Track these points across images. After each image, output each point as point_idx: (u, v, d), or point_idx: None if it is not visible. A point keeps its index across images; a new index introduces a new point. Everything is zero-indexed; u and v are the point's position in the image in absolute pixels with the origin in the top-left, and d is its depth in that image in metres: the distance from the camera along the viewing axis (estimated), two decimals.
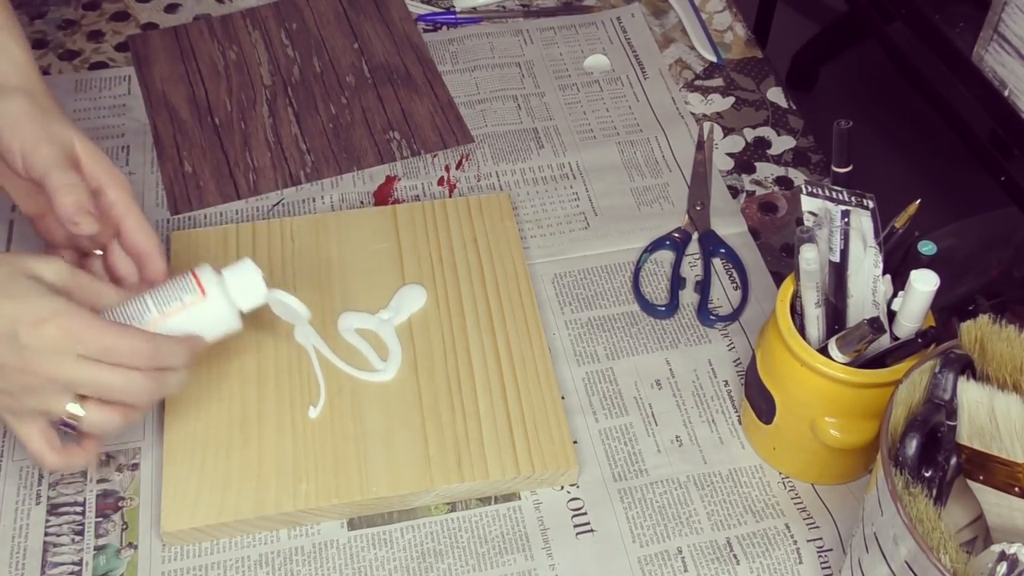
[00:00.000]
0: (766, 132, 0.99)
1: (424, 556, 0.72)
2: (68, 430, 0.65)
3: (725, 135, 0.98)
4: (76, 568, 0.70)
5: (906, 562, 0.55)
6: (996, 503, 0.59)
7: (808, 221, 0.68)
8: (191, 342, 0.67)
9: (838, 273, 0.67)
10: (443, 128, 0.97)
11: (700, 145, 0.96)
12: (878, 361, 0.68)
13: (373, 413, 0.76)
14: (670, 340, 0.83)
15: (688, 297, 0.86)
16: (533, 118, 0.99)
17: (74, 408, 0.64)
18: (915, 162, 1.87)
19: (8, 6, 0.74)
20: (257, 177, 0.93)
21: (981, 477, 0.59)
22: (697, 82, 1.03)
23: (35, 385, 0.62)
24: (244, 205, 0.91)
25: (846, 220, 0.65)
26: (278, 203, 0.92)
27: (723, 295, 0.86)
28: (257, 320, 0.80)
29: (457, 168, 0.95)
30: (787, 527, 0.73)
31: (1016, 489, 0.57)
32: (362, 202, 0.92)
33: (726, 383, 0.81)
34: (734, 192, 0.94)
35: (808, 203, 0.68)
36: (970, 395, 0.58)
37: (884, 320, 0.67)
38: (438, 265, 0.84)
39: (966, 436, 0.59)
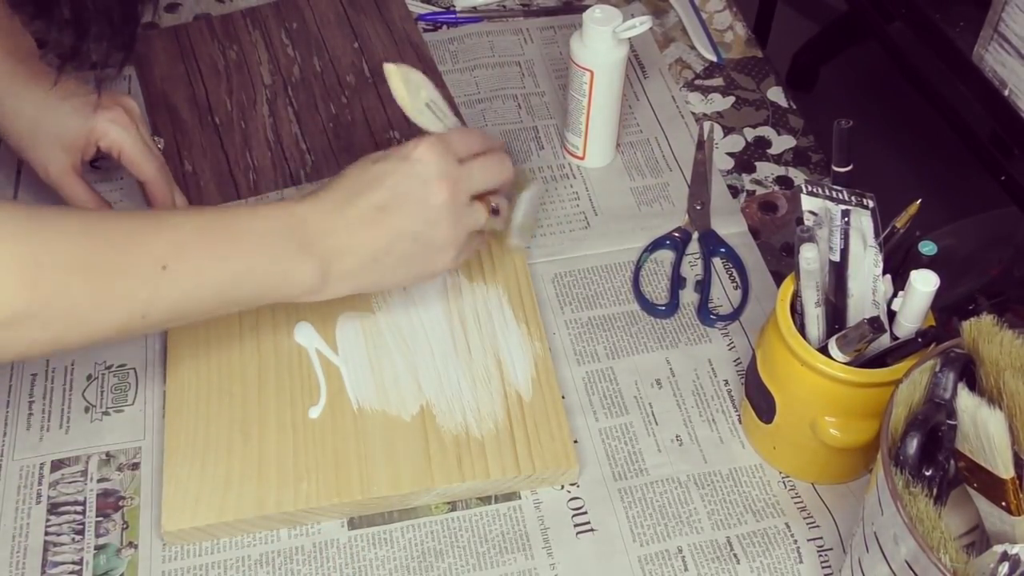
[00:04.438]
0: (766, 132, 0.99)
1: (424, 556, 0.72)
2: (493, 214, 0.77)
3: (725, 134, 0.98)
4: (76, 567, 0.70)
5: (906, 562, 0.55)
6: (988, 512, 0.59)
7: (808, 220, 0.68)
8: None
9: (838, 272, 0.67)
10: None
11: (700, 144, 0.96)
12: (878, 360, 0.68)
13: (374, 413, 0.76)
14: (670, 340, 0.83)
15: (688, 297, 0.86)
16: (533, 117, 0.99)
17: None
18: (915, 162, 1.87)
19: None
20: (257, 176, 0.93)
21: (976, 485, 0.59)
22: (697, 81, 1.03)
23: (463, 210, 0.74)
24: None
25: (846, 219, 0.65)
26: None
27: (723, 295, 0.86)
28: (257, 320, 0.80)
29: None
30: (787, 526, 0.73)
31: (1003, 504, 0.57)
32: None
33: (726, 382, 0.81)
34: (734, 192, 0.94)
35: (808, 202, 0.68)
36: (963, 402, 0.58)
37: (884, 320, 0.67)
38: None
39: (962, 442, 0.58)
